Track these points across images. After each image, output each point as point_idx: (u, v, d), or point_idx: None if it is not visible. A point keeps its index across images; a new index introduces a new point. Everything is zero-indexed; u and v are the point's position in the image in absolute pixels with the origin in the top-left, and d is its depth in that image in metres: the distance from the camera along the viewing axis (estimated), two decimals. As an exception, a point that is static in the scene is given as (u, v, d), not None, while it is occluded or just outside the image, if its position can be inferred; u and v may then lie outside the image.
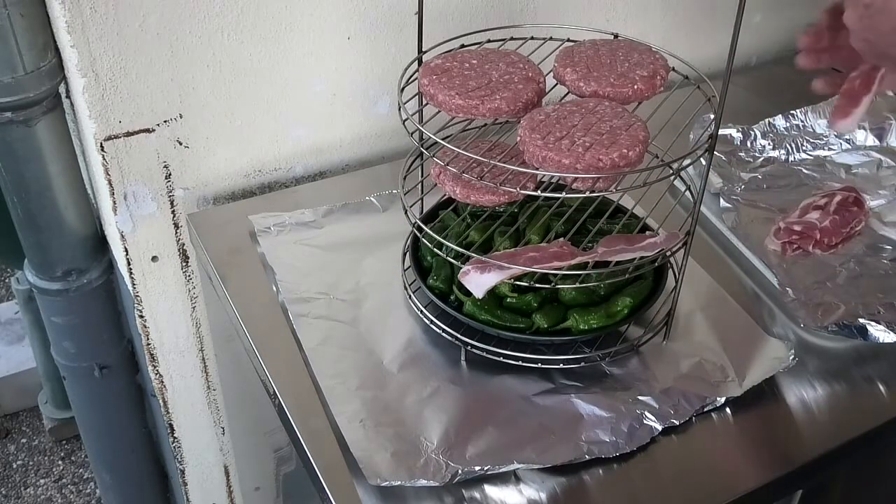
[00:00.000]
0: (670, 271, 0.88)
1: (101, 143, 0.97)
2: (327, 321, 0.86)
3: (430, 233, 0.79)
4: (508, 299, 0.83)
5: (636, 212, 0.89)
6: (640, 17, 1.24)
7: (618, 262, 0.78)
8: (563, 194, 0.76)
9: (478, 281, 0.76)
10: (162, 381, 1.20)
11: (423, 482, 0.71)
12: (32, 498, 1.88)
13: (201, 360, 1.21)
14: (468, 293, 0.79)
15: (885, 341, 0.86)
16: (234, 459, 1.34)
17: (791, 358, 0.83)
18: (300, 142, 1.09)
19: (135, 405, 1.32)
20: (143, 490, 1.44)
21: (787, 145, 1.14)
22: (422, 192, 0.89)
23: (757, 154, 1.13)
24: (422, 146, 0.78)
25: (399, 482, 0.70)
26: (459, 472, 0.71)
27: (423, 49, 0.83)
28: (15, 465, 1.95)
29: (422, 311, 0.84)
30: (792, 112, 1.16)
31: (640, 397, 0.79)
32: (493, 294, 0.82)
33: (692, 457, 0.76)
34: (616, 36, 0.87)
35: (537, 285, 0.77)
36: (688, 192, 0.86)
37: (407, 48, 1.07)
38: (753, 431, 0.78)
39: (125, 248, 1.05)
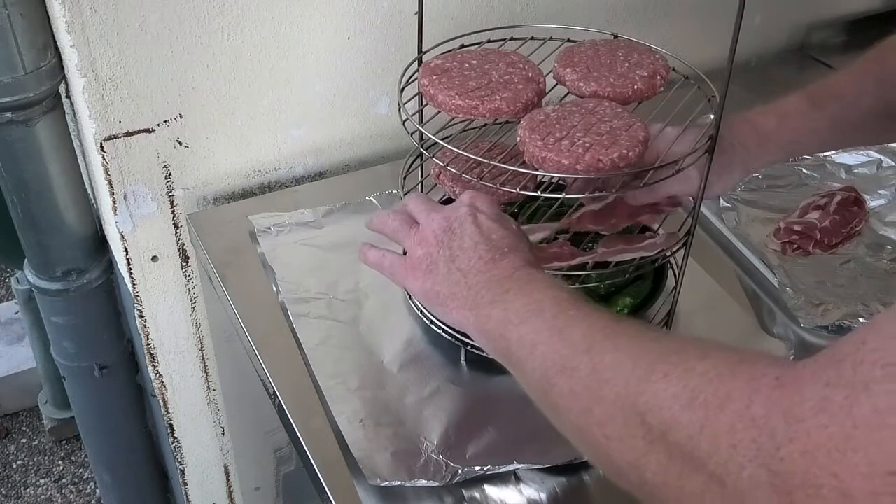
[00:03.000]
0: (670, 271, 0.88)
1: (101, 143, 0.97)
2: (327, 321, 0.86)
3: (430, 233, 0.79)
4: (508, 299, 0.83)
5: (636, 212, 0.89)
6: (640, 17, 1.24)
7: (618, 263, 0.78)
8: (563, 195, 0.76)
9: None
10: (162, 381, 1.20)
11: (423, 482, 0.71)
12: (32, 498, 1.88)
13: (201, 360, 1.21)
14: (468, 293, 0.79)
15: (885, 341, 0.85)
16: (234, 459, 1.34)
17: (791, 358, 0.83)
18: (300, 142, 1.09)
19: (135, 405, 1.32)
20: (143, 490, 1.44)
21: (787, 145, 1.14)
22: (422, 193, 0.89)
23: (757, 154, 1.13)
24: (422, 146, 0.78)
25: (399, 482, 0.70)
26: (459, 472, 0.71)
27: (423, 49, 0.83)
28: (15, 465, 1.95)
29: (422, 311, 0.84)
30: (792, 112, 1.16)
31: (640, 397, 0.79)
32: (493, 294, 0.82)
33: (692, 457, 0.76)
34: (616, 36, 0.87)
35: (537, 285, 0.77)
36: (688, 193, 0.86)
37: (407, 48, 1.07)
38: (753, 431, 0.78)
39: (125, 248, 1.05)
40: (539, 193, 0.74)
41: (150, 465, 1.41)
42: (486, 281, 0.64)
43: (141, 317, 1.12)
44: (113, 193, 1.01)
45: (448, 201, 0.90)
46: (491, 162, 0.72)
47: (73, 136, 1.07)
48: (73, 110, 1.03)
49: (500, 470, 0.72)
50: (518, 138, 0.74)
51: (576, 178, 0.71)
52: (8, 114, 0.95)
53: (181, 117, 1.00)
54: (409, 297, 0.87)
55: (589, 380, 0.54)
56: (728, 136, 0.80)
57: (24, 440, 2.00)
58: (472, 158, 0.72)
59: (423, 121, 0.80)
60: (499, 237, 0.66)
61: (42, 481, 1.92)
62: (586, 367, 0.55)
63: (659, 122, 0.80)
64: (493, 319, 0.62)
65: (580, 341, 0.56)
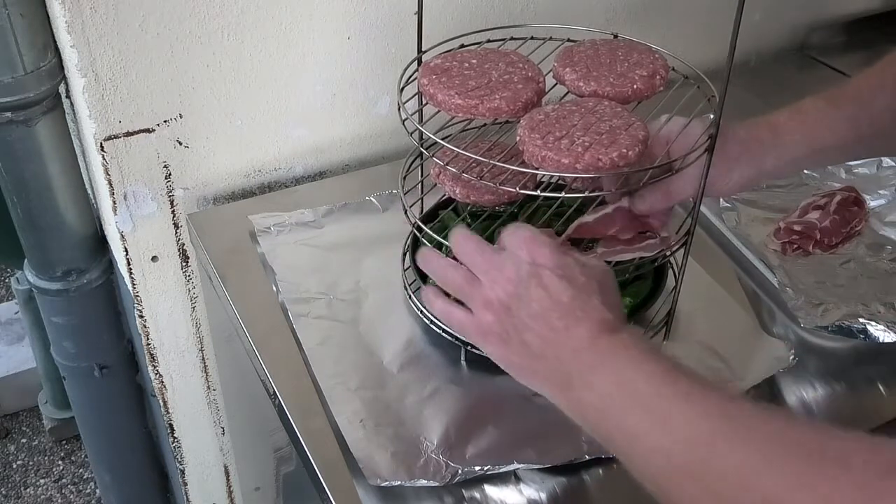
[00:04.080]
0: (670, 271, 0.88)
1: (101, 143, 0.97)
2: (327, 321, 0.86)
3: (430, 233, 0.79)
4: (508, 299, 0.83)
5: (636, 212, 0.89)
6: (639, 17, 1.24)
7: (618, 262, 0.78)
8: (563, 194, 0.76)
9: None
10: (162, 381, 1.20)
11: (423, 482, 0.71)
12: (32, 498, 1.88)
13: (201, 360, 1.21)
14: (468, 293, 0.79)
15: (885, 341, 0.86)
16: (234, 459, 1.34)
17: (791, 358, 0.83)
18: (300, 142, 1.09)
19: (135, 405, 1.32)
20: (143, 490, 1.44)
21: (787, 145, 1.14)
22: (422, 192, 0.89)
23: (757, 154, 1.13)
24: (422, 146, 0.77)
25: (399, 482, 0.70)
26: (459, 472, 0.71)
27: (423, 49, 0.83)
28: (15, 465, 1.95)
29: (422, 312, 0.84)
30: (792, 112, 1.16)
31: (639, 397, 0.79)
32: (493, 294, 0.82)
33: (692, 457, 0.76)
34: (616, 36, 0.87)
35: (537, 285, 0.77)
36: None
37: (407, 48, 1.07)
38: (753, 431, 0.78)
39: (125, 248, 1.05)
40: (539, 193, 0.74)
41: (150, 465, 1.41)
42: (566, 357, 0.59)
43: (141, 317, 1.12)
44: (113, 193, 1.01)
45: (448, 201, 0.91)
46: (491, 161, 0.72)
47: (73, 136, 1.07)
48: (73, 110, 1.03)
49: (500, 470, 0.72)
50: (518, 137, 0.74)
51: (576, 178, 0.71)
52: (8, 114, 0.95)
53: (181, 117, 1.00)
54: (409, 296, 0.87)
55: (717, 487, 0.49)
56: (740, 133, 0.79)
57: (24, 440, 2.00)
58: (472, 158, 0.72)
59: (423, 120, 0.80)
60: (569, 298, 0.61)
61: (42, 481, 1.91)
62: (709, 470, 0.49)
63: (659, 121, 0.80)
64: (584, 404, 0.59)
65: (693, 435, 0.51)
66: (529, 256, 0.64)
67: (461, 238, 0.69)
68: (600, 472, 0.74)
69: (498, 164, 0.71)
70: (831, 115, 0.80)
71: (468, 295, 0.66)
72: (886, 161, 1.13)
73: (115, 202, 1.01)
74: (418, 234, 0.82)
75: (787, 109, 0.82)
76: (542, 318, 0.61)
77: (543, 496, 0.72)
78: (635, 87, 0.79)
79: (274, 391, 0.81)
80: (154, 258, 1.08)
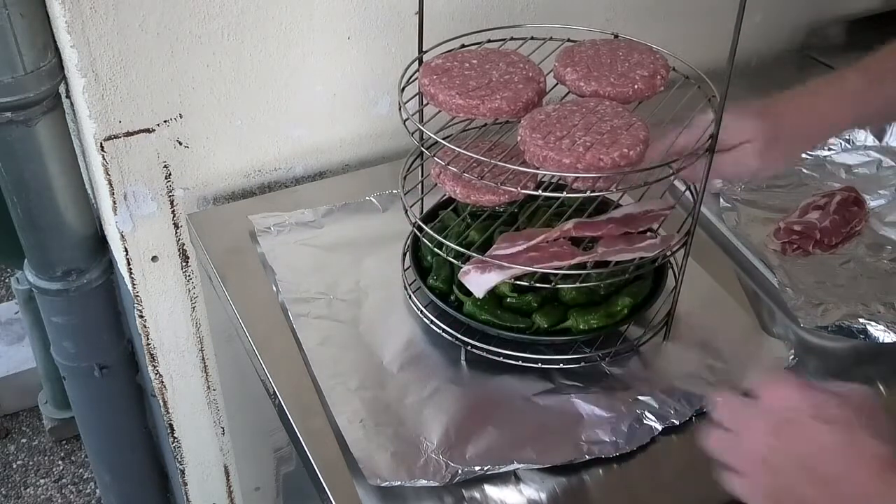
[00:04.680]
0: (670, 271, 0.88)
1: (101, 143, 0.97)
2: (327, 321, 0.86)
3: (431, 233, 0.79)
4: (508, 299, 0.83)
5: (636, 212, 0.89)
6: (640, 17, 1.24)
7: (618, 262, 0.78)
8: (564, 194, 0.76)
9: (478, 281, 0.76)
10: (162, 381, 1.20)
11: (423, 482, 0.71)
12: (32, 498, 1.88)
13: (201, 360, 1.21)
14: (468, 293, 0.79)
15: (885, 341, 0.86)
16: (234, 459, 1.34)
17: (791, 358, 0.83)
18: (300, 142, 1.09)
19: (135, 405, 1.32)
20: (143, 490, 1.44)
21: (787, 145, 1.14)
22: (422, 192, 0.89)
23: (757, 154, 1.13)
24: (422, 146, 0.77)
25: (399, 482, 0.70)
26: (459, 472, 0.71)
27: (424, 49, 0.83)
28: (15, 465, 1.95)
29: (422, 311, 0.84)
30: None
31: (639, 397, 0.79)
32: (494, 294, 0.82)
33: (692, 457, 0.76)
34: (616, 36, 0.87)
35: (537, 285, 0.77)
36: (688, 192, 0.86)
37: (407, 48, 1.07)
38: (753, 431, 0.78)
39: (125, 248, 1.05)
40: (539, 193, 0.74)
41: (150, 465, 1.41)
42: None
43: (141, 317, 1.12)
44: (113, 193, 1.01)
45: (448, 201, 0.91)
46: (491, 161, 0.72)
47: (73, 136, 1.07)
48: (73, 110, 1.03)
49: (500, 470, 0.72)
50: (519, 137, 0.74)
51: (577, 178, 0.71)
52: (8, 114, 0.95)
53: (181, 117, 1.00)
54: (410, 296, 0.87)
55: None
56: (785, 128, 0.81)
57: (24, 440, 2.00)
58: (472, 157, 0.72)
59: (424, 120, 0.80)
60: (833, 442, 0.56)
61: (42, 481, 1.91)
62: None
63: (659, 122, 0.80)
64: None
65: None
66: (778, 403, 0.60)
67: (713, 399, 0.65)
68: (600, 472, 0.74)
69: (499, 163, 0.71)
70: (875, 91, 0.83)
71: (729, 456, 0.62)
72: (886, 161, 1.13)
73: (115, 202, 1.01)
74: (418, 234, 0.82)
75: (831, 87, 0.84)
76: (811, 470, 0.56)
77: (543, 496, 0.72)
78: (636, 87, 0.79)
79: (274, 391, 0.81)
80: (154, 258, 1.08)
